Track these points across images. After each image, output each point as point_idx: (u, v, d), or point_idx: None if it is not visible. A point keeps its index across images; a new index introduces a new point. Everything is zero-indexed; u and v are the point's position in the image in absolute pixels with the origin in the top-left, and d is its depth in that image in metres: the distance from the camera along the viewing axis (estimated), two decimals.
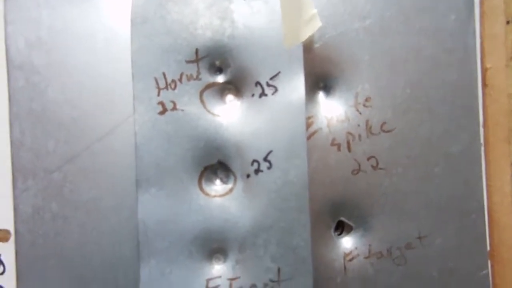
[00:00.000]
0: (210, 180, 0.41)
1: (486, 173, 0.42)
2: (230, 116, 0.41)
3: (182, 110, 0.40)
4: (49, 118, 0.41)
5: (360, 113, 0.42)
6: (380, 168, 0.42)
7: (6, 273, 0.41)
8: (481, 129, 0.43)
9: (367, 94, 0.42)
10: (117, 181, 0.41)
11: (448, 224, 0.42)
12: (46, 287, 0.41)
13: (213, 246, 0.40)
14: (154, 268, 0.39)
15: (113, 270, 0.41)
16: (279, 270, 0.40)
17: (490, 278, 0.42)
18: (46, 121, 0.41)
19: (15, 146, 0.41)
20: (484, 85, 0.43)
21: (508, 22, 0.46)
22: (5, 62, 0.41)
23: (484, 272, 0.42)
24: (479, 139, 0.42)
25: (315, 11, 0.39)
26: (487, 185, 0.42)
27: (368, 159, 0.42)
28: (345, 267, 0.42)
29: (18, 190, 0.41)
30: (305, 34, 0.39)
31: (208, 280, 0.40)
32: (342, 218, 0.42)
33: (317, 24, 0.39)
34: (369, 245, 0.42)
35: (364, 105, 0.42)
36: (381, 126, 0.42)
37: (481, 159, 0.42)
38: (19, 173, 0.41)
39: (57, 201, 0.41)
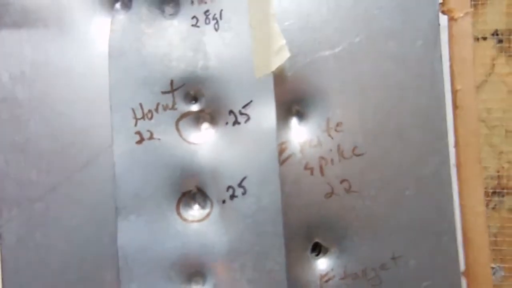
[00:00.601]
0: (188, 205, 0.42)
1: (459, 193, 0.43)
2: (205, 144, 0.42)
3: (159, 139, 0.41)
4: (31, 149, 0.42)
5: (332, 138, 0.43)
6: (353, 191, 0.42)
7: None
8: (453, 150, 0.43)
9: (338, 119, 0.43)
10: (98, 209, 0.42)
11: (421, 245, 0.43)
12: None
13: (191, 270, 0.41)
14: None
15: None
16: None
17: None
18: (29, 152, 0.42)
19: (1, 177, 0.42)
20: (455, 106, 0.44)
21: (477, 39, 0.47)
22: None
23: None
24: (448, 162, 0.43)
25: (283, 42, 0.41)
26: (461, 205, 0.43)
27: (341, 182, 0.42)
28: None
29: (3, 220, 0.42)
30: (275, 65, 0.41)
31: None
32: (317, 240, 0.43)
33: (286, 54, 0.41)
34: (345, 266, 0.42)
35: (335, 130, 0.43)
36: (353, 150, 0.43)
37: (451, 181, 0.43)
38: (5, 203, 0.42)
39: (40, 230, 0.42)
